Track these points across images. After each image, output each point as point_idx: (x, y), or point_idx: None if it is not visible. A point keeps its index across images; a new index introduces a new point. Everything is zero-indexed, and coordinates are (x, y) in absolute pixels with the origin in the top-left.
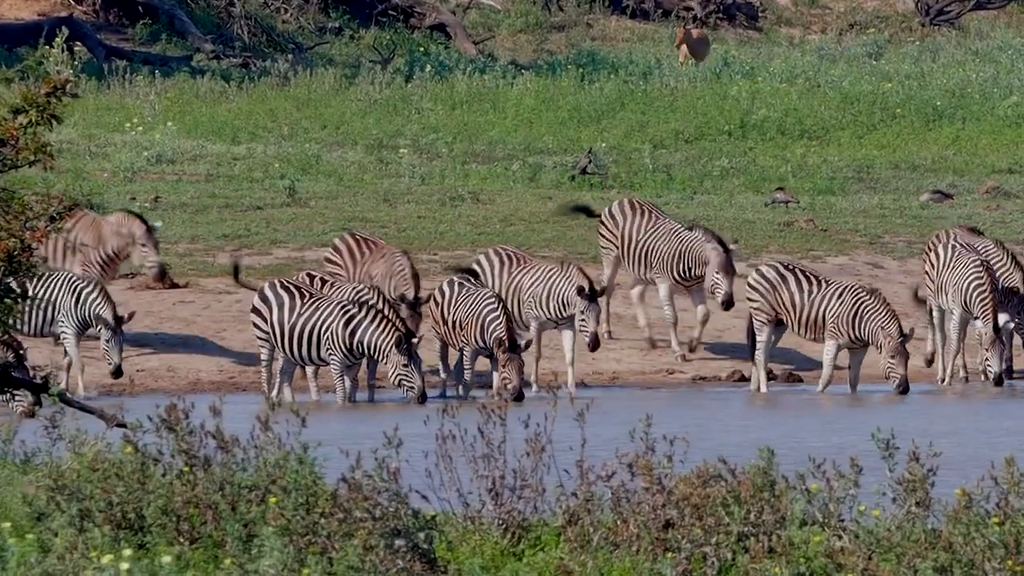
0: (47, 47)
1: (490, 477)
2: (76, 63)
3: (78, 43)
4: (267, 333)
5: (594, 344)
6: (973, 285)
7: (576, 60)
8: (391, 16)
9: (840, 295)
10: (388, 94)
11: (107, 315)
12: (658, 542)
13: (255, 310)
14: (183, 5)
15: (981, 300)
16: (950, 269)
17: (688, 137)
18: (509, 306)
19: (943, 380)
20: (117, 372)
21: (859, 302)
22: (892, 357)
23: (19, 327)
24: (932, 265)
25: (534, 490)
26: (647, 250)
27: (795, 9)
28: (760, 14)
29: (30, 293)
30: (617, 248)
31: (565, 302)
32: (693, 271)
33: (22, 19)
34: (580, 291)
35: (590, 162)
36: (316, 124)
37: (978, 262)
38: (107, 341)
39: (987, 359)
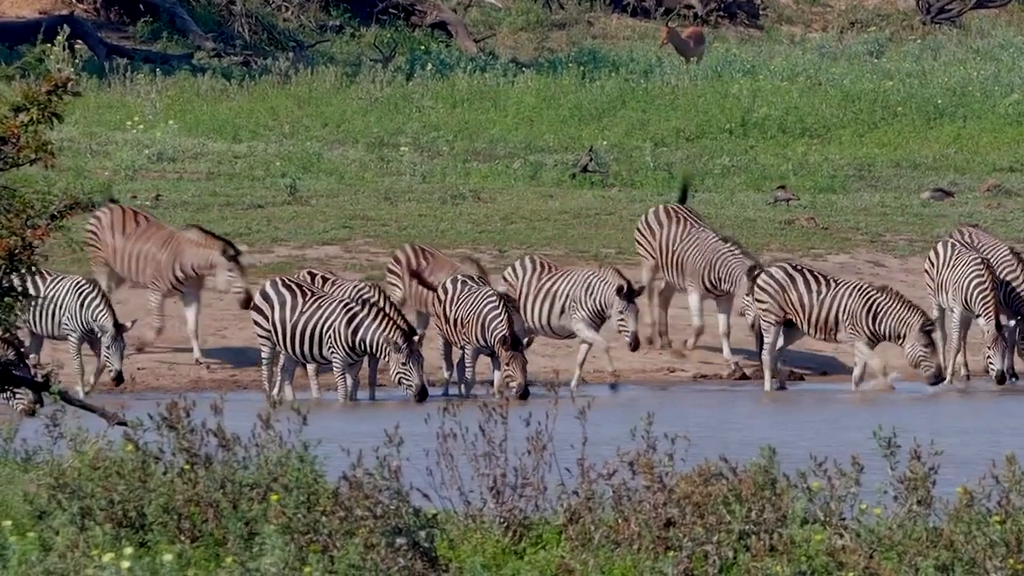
0: (48, 45)
1: (491, 475)
2: (77, 61)
3: (79, 41)
4: (268, 331)
5: (634, 344)
6: (974, 283)
7: (577, 58)
8: (392, 14)
9: (850, 294)
10: (389, 92)
11: (106, 323)
12: (659, 540)
13: (256, 308)
14: (184, 3)
15: (982, 298)
16: (950, 267)
17: (689, 135)
18: (543, 312)
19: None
20: (118, 378)
21: (871, 300)
22: (925, 346)
23: (32, 328)
24: (932, 263)
25: (535, 488)
26: (682, 259)
27: (796, 7)
28: (761, 12)
29: (42, 293)
30: (655, 257)
31: (604, 303)
32: (721, 284)
33: (23, 17)
34: (619, 291)
35: (591, 160)
36: (317, 122)
37: (978, 260)
38: (108, 348)
39: (989, 357)
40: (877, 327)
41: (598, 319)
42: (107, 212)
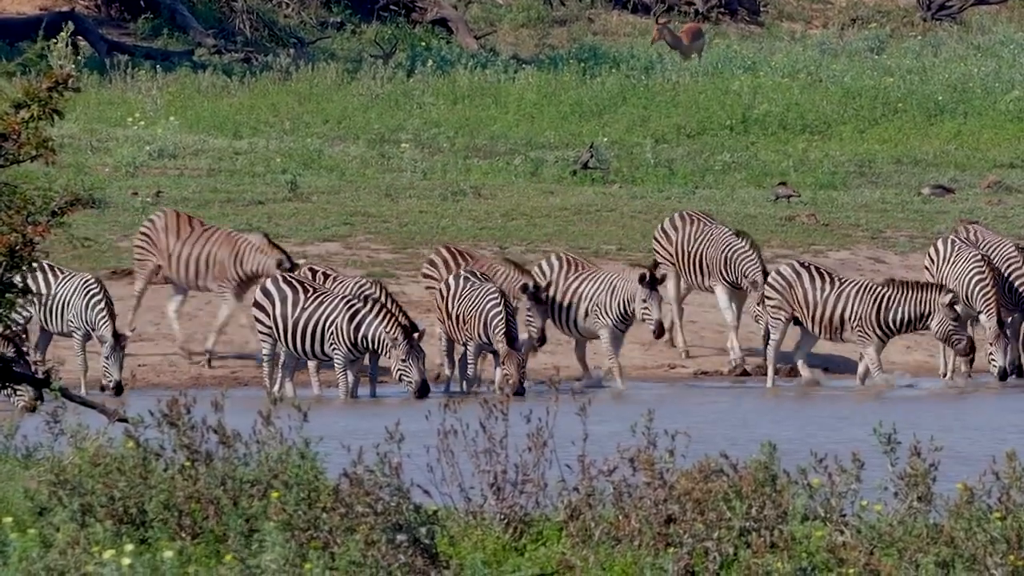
0: (50, 41)
1: (492, 472)
2: (78, 58)
3: (80, 38)
4: (270, 328)
5: (659, 331)
6: (975, 280)
7: (578, 55)
8: (393, 11)
9: (857, 294)
10: (390, 89)
11: (106, 331)
12: (660, 537)
13: (257, 305)
14: (185, 0)
15: (983, 294)
16: (950, 264)
17: (690, 132)
18: (569, 314)
19: (945, 375)
20: (118, 389)
21: (879, 296)
22: (954, 320)
23: (43, 324)
24: (932, 260)
25: (536, 485)
26: (701, 258)
27: (797, 3)
28: (762, 8)
29: (53, 290)
30: (674, 263)
31: (628, 301)
32: (738, 279)
33: (24, 13)
34: (641, 279)
35: (592, 157)
36: (318, 119)
37: (978, 256)
38: (107, 358)
39: (991, 353)
40: (892, 322)
41: (623, 324)
42: (161, 216)
